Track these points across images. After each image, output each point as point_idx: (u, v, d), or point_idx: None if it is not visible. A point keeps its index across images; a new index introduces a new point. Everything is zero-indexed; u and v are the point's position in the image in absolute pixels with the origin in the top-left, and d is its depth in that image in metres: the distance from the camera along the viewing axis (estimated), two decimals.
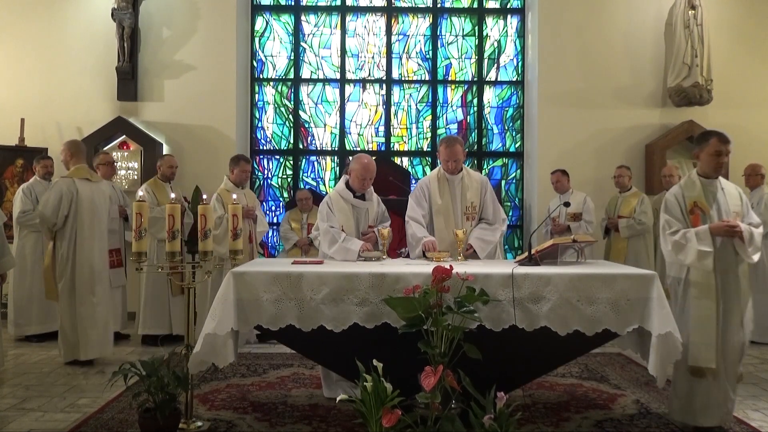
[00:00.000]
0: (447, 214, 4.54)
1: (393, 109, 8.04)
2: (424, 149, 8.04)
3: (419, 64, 8.09)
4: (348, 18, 8.05)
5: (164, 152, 7.27)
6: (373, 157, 4.85)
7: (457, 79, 8.08)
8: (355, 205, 4.55)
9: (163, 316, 6.02)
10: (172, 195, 3.75)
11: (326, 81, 8.02)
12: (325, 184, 7.97)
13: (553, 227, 6.58)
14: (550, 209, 6.74)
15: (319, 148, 8.02)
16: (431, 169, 7.95)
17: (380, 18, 8.07)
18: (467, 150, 7.81)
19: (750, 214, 3.80)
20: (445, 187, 4.59)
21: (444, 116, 8.08)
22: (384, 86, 8.02)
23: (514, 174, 8.05)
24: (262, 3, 7.98)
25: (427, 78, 8.07)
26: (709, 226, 3.64)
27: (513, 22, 8.07)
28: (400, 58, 8.07)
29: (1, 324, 5.45)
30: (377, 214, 4.66)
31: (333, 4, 8.05)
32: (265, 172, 7.98)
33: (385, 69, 8.03)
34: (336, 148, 7.98)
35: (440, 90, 8.07)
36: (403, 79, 8.06)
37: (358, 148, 7.96)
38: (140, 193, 3.74)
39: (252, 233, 6.04)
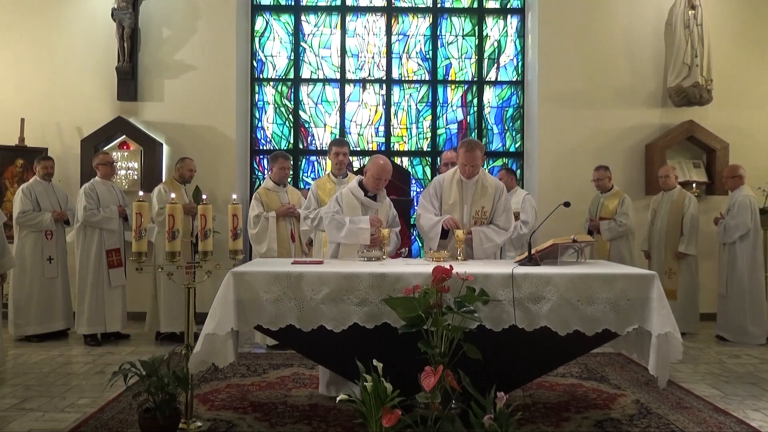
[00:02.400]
0: (455, 214, 4.52)
1: (393, 109, 8.03)
2: (424, 149, 8.04)
3: (419, 64, 8.09)
4: (348, 18, 8.04)
5: (164, 152, 7.29)
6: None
7: (457, 79, 8.07)
8: (365, 204, 4.55)
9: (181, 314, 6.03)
10: (172, 195, 3.76)
11: (326, 81, 8.02)
12: None
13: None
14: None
15: (319, 148, 8.02)
16: (431, 169, 7.97)
17: (380, 18, 8.07)
18: None
19: None
20: (458, 189, 4.56)
21: (444, 116, 8.08)
22: (384, 86, 8.02)
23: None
24: (262, 3, 7.98)
25: (427, 78, 8.07)
26: None
27: (513, 22, 8.07)
28: (400, 58, 8.07)
29: (1, 324, 5.44)
30: (388, 218, 4.64)
31: (333, 4, 8.05)
32: (265, 172, 7.97)
33: (385, 69, 8.02)
34: None
35: (440, 90, 8.06)
36: (403, 79, 8.06)
37: (358, 148, 7.96)
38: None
39: (294, 232, 5.96)
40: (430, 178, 7.95)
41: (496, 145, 8.07)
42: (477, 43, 8.05)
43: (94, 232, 6.12)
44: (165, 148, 7.32)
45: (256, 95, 7.98)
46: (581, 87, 7.50)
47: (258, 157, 7.95)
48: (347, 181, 5.41)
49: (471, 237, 4.44)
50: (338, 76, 8.01)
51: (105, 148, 7.25)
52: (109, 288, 6.13)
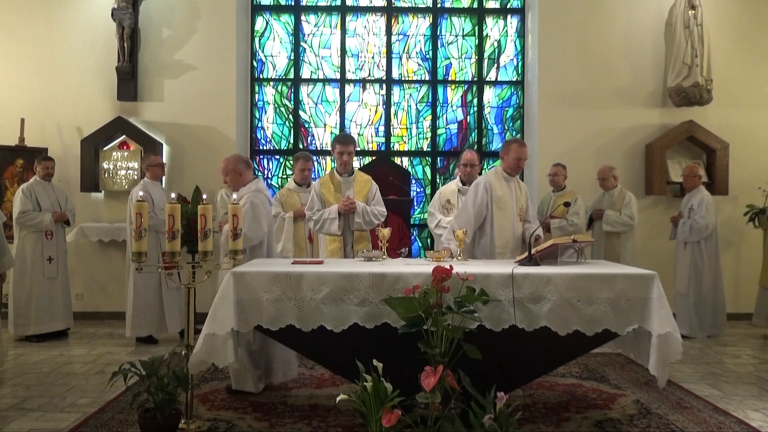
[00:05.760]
0: (508, 210, 4.71)
1: (393, 109, 8.03)
2: (424, 149, 8.04)
3: (419, 64, 8.09)
4: (348, 18, 8.04)
5: (164, 152, 7.27)
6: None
7: (457, 79, 8.07)
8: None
9: None
10: (173, 195, 3.76)
11: (326, 81, 8.02)
12: None
13: None
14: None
15: (319, 148, 8.02)
16: (431, 169, 7.97)
17: (380, 18, 8.07)
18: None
19: None
20: (505, 185, 4.81)
21: (444, 116, 8.07)
22: (384, 86, 8.02)
23: None
24: (262, 3, 7.98)
25: (427, 78, 8.07)
26: None
27: (513, 22, 8.07)
28: (400, 58, 8.06)
29: (1, 324, 5.44)
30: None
31: (333, 4, 8.05)
32: (265, 172, 7.98)
33: (385, 69, 8.02)
34: None
35: (440, 90, 8.06)
36: (403, 79, 8.06)
37: (358, 148, 7.95)
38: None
39: (312, 232, 5.84)
40: (430, 178, 7.95)
41: (496, 145, 8.06)
42: (477, 43, 8.05)
43: (149, 234, 6.04)
44: (165, 148, 7.31)
45: (256, 95, 7.98)
46: (581, 87, 7.50)
47: (258, 157, 7.95)
48: (353, 179, 5.31)
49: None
50: (338, 76, 8.01)
51: (105, 148, 7.26)
52: (166, 289, 6.10)
